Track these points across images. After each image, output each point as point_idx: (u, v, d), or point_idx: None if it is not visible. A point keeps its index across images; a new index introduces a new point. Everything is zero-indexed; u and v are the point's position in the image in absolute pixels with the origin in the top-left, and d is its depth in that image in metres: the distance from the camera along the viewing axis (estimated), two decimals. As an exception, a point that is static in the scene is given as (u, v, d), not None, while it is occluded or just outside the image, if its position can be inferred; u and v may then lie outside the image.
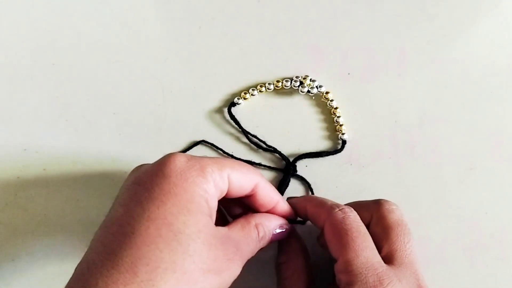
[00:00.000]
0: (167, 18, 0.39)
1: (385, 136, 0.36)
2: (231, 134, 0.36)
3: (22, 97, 0.37)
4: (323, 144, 0.36)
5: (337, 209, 0.27)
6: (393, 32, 0.38)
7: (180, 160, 0.24)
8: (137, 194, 0.23)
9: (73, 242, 0.33)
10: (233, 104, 0.36)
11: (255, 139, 0.35)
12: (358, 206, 0.29)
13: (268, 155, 0.35)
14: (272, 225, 0.29)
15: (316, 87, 0.36)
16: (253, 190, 0.27)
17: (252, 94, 0.36)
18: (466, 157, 0.35)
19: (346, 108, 0.36)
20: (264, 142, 0.35)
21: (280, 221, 0.29)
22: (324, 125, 0.36)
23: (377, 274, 0.24)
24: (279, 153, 0.35)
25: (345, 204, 0.30)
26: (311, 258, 0.30)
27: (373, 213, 0.28)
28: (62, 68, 0.37)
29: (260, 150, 0.35)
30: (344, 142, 0.35)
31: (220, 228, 0.25)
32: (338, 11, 0.38)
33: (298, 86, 0.36)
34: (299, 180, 0.35)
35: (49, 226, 0.34)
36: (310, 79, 0.36)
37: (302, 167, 0.35)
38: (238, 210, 0.30)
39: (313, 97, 0.37)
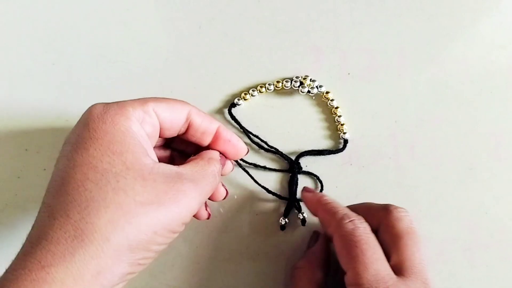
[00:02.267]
0: (167, 18, 0.39)
1: (385, 136, 0.36)
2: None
3: (22, 97, 0.37)
4: (324, 144, 0.36)
5: (348, 220, 0.27)
6: (393, 32, 0.38)
7: (97, 106, 0.24)
8: (65, 151, 0.24)
9: (73, 242, 0.33)
10: (233, 104, 0.36)
11: (256, 139, 0.35)
12: (367, 210, 0.29)
13: (269, 155, 0.35)
14: (217, 155, 0.29)
15: (316, 87, 0.36)
16: (187, 119, 0.27)
17: (252, 95, 0.36)
18: (466, 157, 0.35)
19: (346, 108, 0.36)
20: (265, 142, 0.35)
21: (217, 152, 0.29)
22: (324, 124, 0.36)
23: (387, 287, 0.24)
24: (281, 153, 0.35)
25: (354, 205, 0.30)
26: None
27: (382, 220, 0.28)
28: (62, 68, 0.37)
29: (262, 150, 0.35)
30: (346, 141, 0.35)
31: (162, 164, 0.25)
32: (338, 11, 0.38)
33: (298, 87, 0.36)
34: (306, 176, 0.35)
35: (49, 226, 0.34)
36: (310, 79, 0.36)
37: (303, 167, 0.35)
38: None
39: (313, 97, 0.37)
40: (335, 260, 0.30)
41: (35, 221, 0.23)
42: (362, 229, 0.26)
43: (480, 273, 0.33)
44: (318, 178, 0.35)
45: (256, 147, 0.35)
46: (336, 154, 0.35)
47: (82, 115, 0.25)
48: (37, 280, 0.20)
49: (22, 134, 0.36)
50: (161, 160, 0.28)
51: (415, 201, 0.34)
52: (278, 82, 0.36)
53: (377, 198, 0.34)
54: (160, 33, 0.38)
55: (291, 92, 0.37)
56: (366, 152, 0.35)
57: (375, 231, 0.27)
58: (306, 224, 0.34)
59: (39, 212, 0.23)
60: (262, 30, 0.38)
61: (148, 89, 0.37)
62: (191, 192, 0.24)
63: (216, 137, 0.29)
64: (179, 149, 0.31)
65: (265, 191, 0.34)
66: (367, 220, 0.27)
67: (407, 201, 0.34)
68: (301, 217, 0.34)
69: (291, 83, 0.36)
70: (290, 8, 0.39)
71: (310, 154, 0.35)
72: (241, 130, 0.35)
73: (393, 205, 0.28)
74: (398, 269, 0.26)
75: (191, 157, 0.28)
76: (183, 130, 0.28)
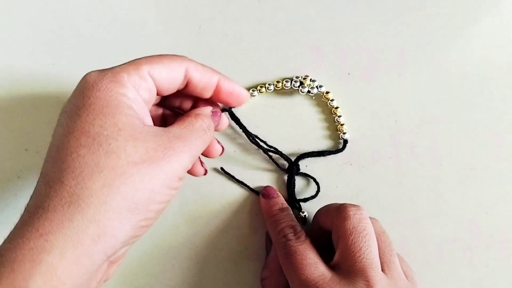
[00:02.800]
0: (167, 18, 0.39)
1: (385, 136, 0.36)
2: (231, 134, 0.36)
3: (22, 97, 0.37)
4: (324, 144, 0.36)
5: (281, 236, 0.29)
6: (393, 32, 0.38)
7: (92, 74, 0.24)
8: (60, 120, 0.24)
9: (73, 242, 0.33)
10: None
11: (256, 140, 0.35)
12: (325, 212, 0.30)
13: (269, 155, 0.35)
14: (207, 111, 0.29)
15: (316, 87, 0.36)
16: (186, 76, 0.27)
17: (252, 95, 0.36)
18: (466, 157, 0.35)
19: (346, 108, 0.36)
20: (265, 143, 0.35)
21: (211, 106, 0.29)
22: (324, 124, 0.36)
23: (317, 287, 0.25)
24: (281, 153, 0.35)
25: (321, 208, 0.31)
26: None
27: (333, 220, 0.28)
28: (62, 68, 0.37)
29: (261, 150, 0.35)
30: (345, 141, 0.35)
31: (152, 126, 0.25)
32: (338, 11, 0.38)
33: (298, 87, 0.36)
34: (304, 177, 0.35)
35: (49, 226, 0.34)
36: (310, 79, 0.36)
37: (302, 167, 0.35)
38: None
39: (313, 97, 0.37)
40: None
41: (34, 191, 0.23)
42: (293, 240, 0.28)
43: (480, 273, 0.33)
44: (315, 180, 0.35)
45: (256, 147, 0.35)
46: (336, 154, 0.35)
47: (78, 84, 0.24)
48: (36, 248, 0.20)
49: (22, 134, 0.36)
50: (154, 119, 0.28)
51: (415, 201, 0.34)
52: (278, 82, 0.36)
53: (377, 198, 0.34)
54: (160, 33, 0.38)
55: (291, 92, 0.37)
56: (366, 152, 0.35)
57: (330, 232, 0.29)
58: (306, 223, 0.34)
59: (37, 183, 0.23)
60: (262, 30, 0.38)
61: (148, 89, 0.37)
62: (179, 148, 0.24)
63: (217, 90, 0.29)
64: (175, 105, 0.31)
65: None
66: (324, 221, 0.29)
67: (407, 201, 0.34)
68: (302, 216, 0.34)
69: (291, 83, 0.36)
70: (290, 8, 0.39)
71: (310, 156, 0.35)
72: (241, 130, 0.35)
73: (346, 204, 0.28)
74: (338, 269, 0.26)
75: (179, 117, 0.28)
76: (181, 87, 0.28)
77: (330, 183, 0.35)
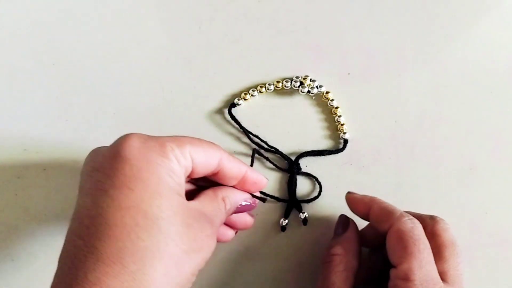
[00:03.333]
0: (167, 18, 0.39)
1: (385, 136, 0.36)
2: (231, 134, 0.36)
3: (22, 97, 0.37)
4: (324, 144, 0.36)
5: (407, 218, 0.27)
6: (393, 32, 0.38)
7: (137, 140, 0.23)
8: (100, 182, 0.22)
9: (73, 242, 0.33)
10: (233, 104, 0.36)
11: (256, 139, 0.35)
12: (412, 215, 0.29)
13: (269, 155, 0.35)
14: (237, 198, 0.29)
15: (316, 87, 0.36)
16: (218, 165, 0.27)
17: (252, 95, 0.36)
18: (466, 157, 0.35)
19: (346, 108, 0.36)
20: (265, 142, 0.35)
21: (245, 195, 0.30)
22: (324, 124, 0.36)
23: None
24: (281, 153, 0.35)
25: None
26: None
27: (427, 228, 0.28)
28: (62, 68, 0.37)
29: (262, 150, 0.35)
30: (346, 141, 0.35)
31: (192, 204, 0.25)
32: (338, 11, 0.38)
33: (298, 87, 0.36)
34: (305, 176, 0.35)
35: (49, 226, 0.34)
36: (310, 79, 0.36)
37: (303, 167, 0.35)
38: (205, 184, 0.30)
39: (313, 97, 0.37)
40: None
41: (70, 252, 0.22)
42: (420, 229, 0.27)
43: (480, 273, 0.33)
44: (317, 179, 0.35)
45: (256, 147, 0.35)
46: (336, 154, 0.35)
47: (118, 144, 0.23)
48: None
49: (22, 134, 0.36)
50: None
51: (415, 201, 0.34)
52: (278, 82, 0.36)
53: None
54: (160, 33, 0.38)
55: (291, 92, 0.37)
56: (366, 152, 0.35)
57: None
58: (307, 224, 0.34)
59: (69, 242, 0.22)
60: (262, 30, 0.38)
61: (148, 89, 0.37)
62: (213, 235, 0.25)
63: (243, 180, 0.29)
64: (193, 181, 0.31)
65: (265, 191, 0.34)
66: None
67: (407, 201, 0.34)
68: (303, 217, 0.34)
69: (291, 83, 0.36)
70: (290, 8, 0.39)
71: (310, 155, 0.35)
72: (241, 130, 0.35)
73: (439, 217, 0.29)
74: (443, 277, 0.26)
75: (206, 191, 0.28)
76: (210, 174, 0.28)
77: (330, 183, 0.35)
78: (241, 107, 0.36)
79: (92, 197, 0.22)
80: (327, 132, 0.36)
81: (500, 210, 0.34)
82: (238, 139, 0.36)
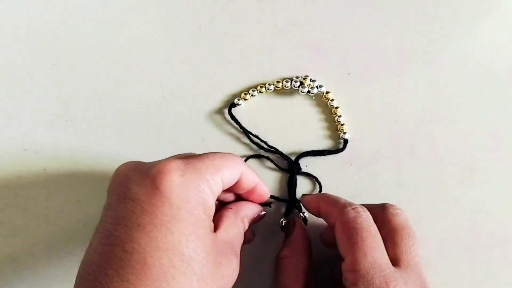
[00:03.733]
0: (167, 18, 0.39)
1: (385, 136, 0.36)
2: (231, 134, 0.36)
3: (22, 97, 0.37)
4: (324, 144, 0.36)
5: (350, 208, 0.27)
6: (393, 32, 0.38)
7: (176, 174, 0.23)
8: (136, 215, 0.22)
9: (73, 242, 0.33)
10: (233, 104, 0.36)
11: (256, 140, 0.35)
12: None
13: (269, 155, 0.35)
14: (253, 213, 0.30)
15: (316, 87, 0.36)
16: (239, 179, 0.27)
17: (252, 95, 0.36)
18: (466, 157, 0.35)
19: (346, 108, 0.36)
20: (265, 143, 0.35)
21: (258, 208, 0.30)
22: (324, 124, 0.36)
23: (383, 275, 0.24)
24: (281, 153, 0.35)
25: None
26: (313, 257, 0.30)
27: (378, 216, 0.28)
28: (62, 68, 0.37)
29: (262, 150, 0.35)
30: (346, 141, 0.35)
31: (219, 236, 0.25)
32: (338, 11, 0.38)
33: (298, 87, 0.36)
34: (305, 177, 0.35)
35: (49, 226, 0.34)
36: (310, 79, 0.36)
37: (303, 167, 0.35)
38: None
39: (313, 97, 0.37)
40: (324, 249, 0.31)
41: (100, 280, 0.22)
42: (365, 216, 0.27)
43: (480, 273, 0.33)
44: (317, 179, 0.35)
45: (256, 147, 0.35)
46: (336, 154, 0.35)
47: (156, 177, 0.23)
48: None
49: (22, 134, 0.36)
50: None
51: (415, 201, 0.34)
52: (278, 82, 0.36)
53: (377, 198, 0.34)
54: (160, 33, 0.38)
55: (291, 92, 0.37)
56: (366, 152, 0.35)
57: None
58: (307, 223, 0.34)
59: (97, 266, 0.22)
60: (262, 30, 0.38)
61: (148, 89, 0.37)
62: (238, 266, 0.26)
63: (251, 191, 0.29)
64: None
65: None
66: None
67: (407, 201, 0.34)
68: (302, 216, 0.34)
69: (291, 83, 0.36)
70: (290, 8, 0.39)
71: (310, 155, 0.35)
72: (241, 130, 0.35)
73: (389, 203, 0.29)
74: (395, 261, 0.26)
75: (227, 213, 0.28)
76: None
77: (330, 183, 0.35)
78: (241, 107, 0.36)
79: (126, 229, 0.22)
80: (327, 132, 0.36)
81: (500, 210, 0.34)
82: (238, 139, 0.36)
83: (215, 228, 0.26)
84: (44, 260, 0.33)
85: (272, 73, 0.37)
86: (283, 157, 0.35)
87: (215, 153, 0.26)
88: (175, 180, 0.23)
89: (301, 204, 0.34)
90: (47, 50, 0.38)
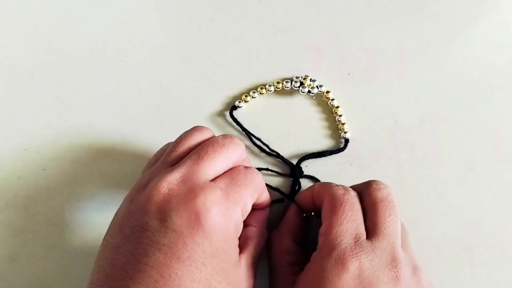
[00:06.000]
0: (167, 18, 0.39)
1: (385, 136, 0.36)
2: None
3: (22, 97, 0.37)
4: (325, 143, 0.36)
5: (341, 186, 0.29)
6: (393, 32, 0.38)
7: (219, 214, 0.24)
8: (177, 247, 0.23)
9: (73, 242, 0.33)
10: (234, 107, 0.36)
11: (258, 142, 0.35)
12: (351, 187, 0.30)
13: (271, 158, 0.35)
14: (267, 219, 0.31)
15: (317, 86, 0.36)
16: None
17: (252, 97, 0.36)
18: (466, 157, 0.35)
19: (346, 108, 0.36)
20: (267, 146, 0.35)
21: (268, 211, 0.31)
22: (325, 124, 0.36)
23: (351, 242, 0.26)
24: (282, 158, 0.34)
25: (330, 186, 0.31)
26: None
27: (362, 191, 0.29)
28: (62, 68, 0.37)
29: (263, 153, 0.35)
30: (346, 140, 0.35)
31: (243, 262, 0.27)
32: (338, 11, 0.38)
33: (299, 87, 0.36)
34: (307, 179, 0.35)
35: (49, 226, 0.34)
36: (310, 79, 0.36)
37: (302, 168, 0.35)
38: None
39: (314, 97, 0.37)
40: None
41: None
42: (352, 195, 0.28)
43: (480, 273, 0.33)
44: (318, 181, 0.34)
45: (257, 150, 0.35)
46: (336, 154, 0.35)
47: (198, 212, 0.24)
48: None
49: (21, 134, 0.36)
50: None
51: (415, 201, 0.34)
52: (278, 83, 0.36)
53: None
54: (160, 33, 0.38)
55: (291, 92, 0.37)
56: (366, 152, 0.35)
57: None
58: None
59: (140, 277, 0.23)
60: (262, 30, 0.38)
61: (148, 90, 0.37)
62: (253, 282, 0.28)
63: (262, 204, 0.30)
64: None
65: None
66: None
67: (407, 201, 0.34)
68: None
69: (291, 83, 0.36)
70: (290, 8, 0.39)
71: (312, 157, 0.35)
72: (243, 132, 0.35)
73: (374, 180, 0.30)
74: (369, 231, 0.27)
75: (253, 229, 0.29)
76: None
77: (330, 183, 0.35)
78: (242, 109, 0.36)
79: (166, 257, 0.23)
80: (328, 131, 0.36)
81: (500, 210, 0.34)
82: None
83: (242, 249, 0.27)
84: (44, 260, 0.33)
85: (272, 73, 0.37)
86: (285, 162, 0.34)
87: (245, 173, 0.27)
88: (217, 220, 0.24)
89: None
90: (47, 50, 0.38)
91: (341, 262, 0.25)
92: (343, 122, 0.35)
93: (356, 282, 0.24)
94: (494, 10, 0.39)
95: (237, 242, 0.26)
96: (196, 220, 0.24)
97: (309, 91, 0.36)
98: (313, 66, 0.37)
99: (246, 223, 0.29)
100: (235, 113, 0.36)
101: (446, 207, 0.34)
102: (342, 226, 0.26)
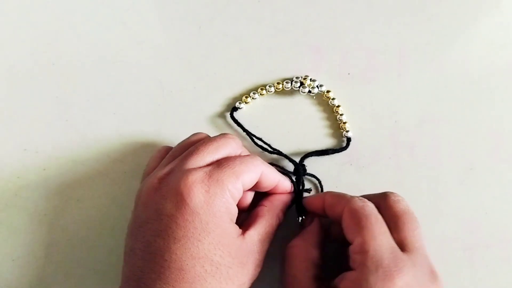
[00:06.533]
0: (167, 18, 0.39)
1: (385, 136, 0.36)
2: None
3: (22, 97, 0.37)
4: (327, 143, 0.36)
5: (357, 198, 0.28)
6: (393, 32, 0.38)
7: (201, 191, 0.26)
8: (172, 229, 0.25)
9: (73, 242, 0.33)
10: (235, 108, 0.36)
11: (260, 142, 0.35)
12: (365, 197, 0.30)
13: (273, 157, 0.35)
14: (287, 204, 0.32)
15: (317, 86, 0.36)
16: (259, 179, 0.29)
17: (253, 98, 0.36)
18: (466, 157, 0.35)
19: (346, 108, 0.36)
20: (269, 145, 0.35)
21: (289, 196, 0.32)
22: (326, 123, 0.36)
23: (392, 256, 0.25)
24: (285, 156, 0.34)
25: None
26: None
27: (380, 204, 0.29)
28: (62, 68, 0.37)
29: (265, 152, 0.35)
30: (348, 139, 0.35)
31: (247, 238, 0.27)
32: (338, 11, 0.38)
33: (299, 87, 0.36)
34: (308, 176, 0.35)
35: (49, 226, 0.34)
36: (310, 79, 0.36)
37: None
38: None
39: (314, 97, 0.37)
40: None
41: (144, 281, 0.25)
42: (372, 206, 0.28)
43: (480, 273, 0.33)
44: (319, 181, 0.34)
45: (259, 149, 0.35)
46: (336, 154, 0.35)
47: (183, 196, 0.26)
48: None
49: (21, 134, 0.36)
50: None
51: (415, 201, 0.34)
52: (278, 83, 0.36)
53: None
54: (160, 33, 0.38)
55: (292, 92, 0.37)
56: (366, 152, 0.35)
57: None
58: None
59: (151, 280, 0.25)
60: (262, 30, 0.38)
61: (148, 90, 0.37)
62: (261, 260, 0.28)
63: (275, 188, 0.31)
64: None
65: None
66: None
67: (407, 201, 0.34)
68: (300, 220, 0.33)
69: (291, 84, 0.36)
70: (290, 8, 0.39)
71: (314, 155, 0.35)
72: (244, 132, 0.35)
73: (390, 191, 0.30)
74: (400, 246, 0.26)
75: (262, 212, 0.30)
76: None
77: (330, 183, 0.35)
78: (243, 110, 0.36)
79: (164, 241, 0.25)
80: (329, 131, 0.36)
81: (500, 210, 0.34)
82: (243, 141, 0.36)
83: (250, 225, 0.28)
84: (44, 260, 0.33)
85: (272, 73, 0.37)
86: (288, 159, 0.34)
87: (235, 158, 0.28)
88: (201, 196, 0.26)
89: (302, 206, 0.34)
90: (47, 50, 0.38)
91: (389, 279, 0.24)
92: (344, 121, 0.35)
93: None
94: (494, 10, 0.39)
95: (231, 217, 0.27)
96: (182, 200, 0.26)
97: (309, 91, 0.36)
98: (313, 66, 0.37)
99: (259, 204, 0.31)
100: (235, 114, 0.36)
101: (446, 207, 0.34)
102: (377, 240, 0.26)
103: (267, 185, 0.30)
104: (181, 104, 0.36)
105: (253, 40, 0.38)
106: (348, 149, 0.35)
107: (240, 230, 0.28)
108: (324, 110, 0.36)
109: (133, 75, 0.37)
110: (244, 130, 0.35)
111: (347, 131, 0.35)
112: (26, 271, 0.33)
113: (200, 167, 0.27)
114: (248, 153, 0.31)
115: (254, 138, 0.35)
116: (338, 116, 0.36)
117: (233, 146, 0.29)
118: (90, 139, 0.36)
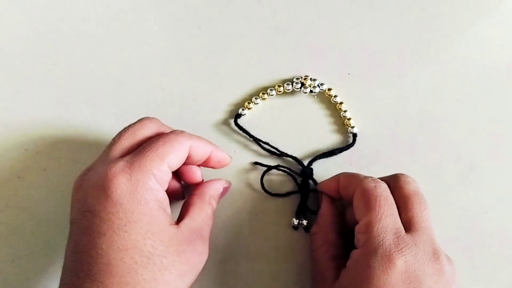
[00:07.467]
0: (167, 18, 0.39)
1: (385, 136, 0.36)
2: (242, 142, 0.36)
3: (22, 97, 0.37)
4: (333, 139, 0.36)
5: (370, 179, 0.29)
6: (393, 32, 0.38)
7: (123, 180, 0.25)
8: (96, 224, 0.25)
9: (73, 242, 0.33)
10: (238, 115, 0.36)
11: (267, 146, 0.35)
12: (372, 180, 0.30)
13: (280, 160, 0.35)
14: (219, 190, 0.32)
15: (318, 85, 0.36)
16: (189, 153, 0.29)
17: (255, 103, 0.36)
18: (466, 157, 0.35)
19: (346, 108, 0.36)
20: (276, 149, 0.35)
21: (222, 181, 0.32)
22: (330, 120, 0.36)
23: (394, 238, 0.26)
24: (295, 158, 0.34)
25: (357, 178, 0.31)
26: None
27: (391, 184, 0.29)
28: (62, 68, 0.37)
29: (274, 156, 0.35)
30: (354, 135, 0.35)
31: (183, 227, 0.27)
32: (338, 11, 0.38)
33: (300, 88, 0.36)
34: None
35: (49, 226, 0.34)
36: (311, 79, 0.36)
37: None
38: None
39: (316, 96, 0.36)
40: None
41: (75, 284, 0.24)
42: (383, 187, 0.28)
43: (480, 273, 0.33)
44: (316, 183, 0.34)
45: (265, 153, 0.35)
46: (337, 155, 0.35)
47: (105, 188, 0.25)
48: None
49: (22, 134, 0.36)
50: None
51: (415, 201, 0.34)
52: (279, 86, 0.36)
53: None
54: (160, 33, 0.38)
55: (293, 93, 0.37)
56: (366, 152, 0.35)
57: None
58: (309, 231, 0.33)
59: (75, 275, 0.25)
60: (262, 30, 0.38)
61: (148, 90, 0.37)
62: (205, 248, 0.28)
63: (208, 159, 0.31)
64: None
65: (267, 193, 0.34)
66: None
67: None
68: (304, 224, 0.33)
69: (292, 85, 0.36)
70: (290, 8, 0.39)
71: (322, 157, 0.34)
72: (250, 139, 0.35)
73: (401, 173, 0.30)
74: (407, 226, 0.27)
75: (193, 199, 0.30)
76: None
77: (330, 183, 0.35)
78: (247, 115, 0.36)
79: (90, 237, 0.25)
80: (334, 127, 0.36)
81: (500, 210, 0.34)
82: (246, 146, 0.36)
83: (183, 216, 0.28)
84: (44, 260, 0.33)
85: (272, 73, 0.37)
86: (297, 162, 0.34)
87: (157, 139, 0.27)
88: (123, 186, 0.25)
89: (307, 207, 0.34)
90: (47, 50, 0.38)
91: (388, 259, 0.25)
92: (348, 117, 0.35)
93: (403, 277, 0.25)
94: (494, 10, 0.39)
95: (159, 204, 0.26)
96: (103, 194, 0.25)
97: (311, 91, 0.36)
98: (313, 66, 0.37)
99: (190, 193, 0.30)
100: (239, 120, 0.36)
101: (446, 207, 0.34)
102: (382, 222, 0.26)
103: (199, 158, 0.30)
104: (181, 104, 0.36)
105: (253, 40, 0.38)
106: (348, 149, 0.35)
107: (173, 220, 0.27)
108: (327, 108, 0.36)
109: (133, 75, 0.37)
110: (250, 136, 0.35)
111: (352, 127, 0.35)
112: (26, 271, 0.33)
113: (120, 157, 0.26)
114: (171, 130, 0.30)
115: (261, 143, 0.35)
116: (341, 113, 0.36)
117: (150, 126, 0.29)
118: (90, 139, 0.36)
